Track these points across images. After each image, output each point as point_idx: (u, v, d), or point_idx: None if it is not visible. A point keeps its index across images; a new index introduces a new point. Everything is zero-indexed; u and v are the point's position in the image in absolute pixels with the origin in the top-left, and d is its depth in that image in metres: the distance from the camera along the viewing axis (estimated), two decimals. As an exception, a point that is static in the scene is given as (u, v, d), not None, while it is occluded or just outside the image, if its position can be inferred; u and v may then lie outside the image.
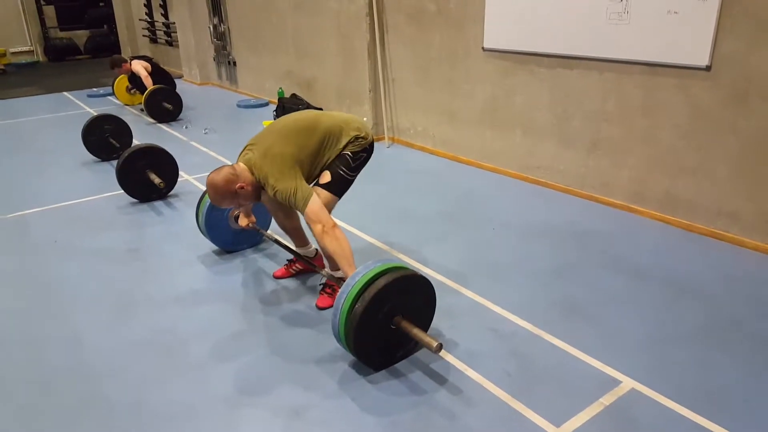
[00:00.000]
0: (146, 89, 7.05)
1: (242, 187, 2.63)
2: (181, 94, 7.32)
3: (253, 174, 2.65)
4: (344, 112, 2.99)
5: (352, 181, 2.84)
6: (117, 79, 7.89)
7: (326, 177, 2.76)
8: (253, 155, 2.68)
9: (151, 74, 7.22)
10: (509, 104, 4.70)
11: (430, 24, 5.17)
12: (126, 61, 7.35)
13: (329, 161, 2.78)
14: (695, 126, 3.57)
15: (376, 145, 3.01)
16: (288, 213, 3.12)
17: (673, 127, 3.68)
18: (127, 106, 7.99)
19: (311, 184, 2.74)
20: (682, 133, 3.64)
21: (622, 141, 3.98)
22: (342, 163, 2.77)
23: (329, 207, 2.76)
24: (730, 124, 3.41)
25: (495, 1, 4.54)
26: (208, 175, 2.67)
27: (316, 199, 2.56)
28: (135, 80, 7.39)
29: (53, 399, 2.37)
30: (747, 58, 3.25)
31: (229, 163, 2.71)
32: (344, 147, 2.78)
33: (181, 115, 7.26)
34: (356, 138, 2.80)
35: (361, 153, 2.83)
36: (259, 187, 2.70)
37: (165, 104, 7.05)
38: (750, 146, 3.35)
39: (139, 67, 7.17)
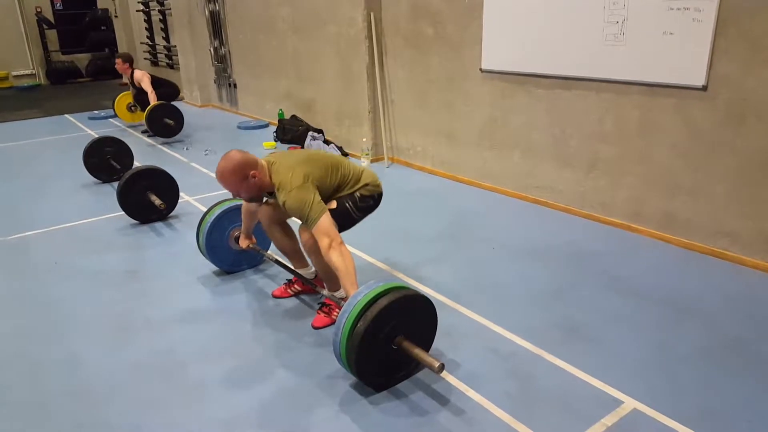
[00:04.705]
0: (148, 105, 7.09)
1: (255, 176, 2.65)
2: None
3: (270, 177, 2.68)
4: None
5: (353, 220, 2.92)
6: (118, 98, 7.94)
7: (332, 204, 2.82)
8: (277, 163, 2.72)
9: (153, 85, 7.25)
10: (507, 125, 4.74)
11: (428, 47, 5.23)
12: (132, 63, 7.37)
13: (340, 196, 2.87)
14: (692, 145, 3.60)
15: (375, 164, 3.03)
16: (285, 233, 3.14)
17: (671, 147, 3.70)
18: (128, 128, 8.03)
19: None
20: (680, 153, 3.67)
21: (620, 161, 4.00)
22: (350, 200, 2.87)
23: None
24: (727, 143, 3.43)
25: (492, 24, 4.60)
26: (229, 151, 2.66)
27: (329, 216, 2.60)
28: (139, 96, 7.41)
29: (51, 422, 2.35)
30: (742, 79, 3.29)
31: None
32: (357, 189, 2.89)
33: (182, 137, 7.30)
34: (367, 185, 2.92)
35: (369, 198, 2.93)
36: (263, 190, 2.73)
37: (166, 120, 7.07)
38: (747, 166, 3.37)
39: (141, 76, 7.21)
